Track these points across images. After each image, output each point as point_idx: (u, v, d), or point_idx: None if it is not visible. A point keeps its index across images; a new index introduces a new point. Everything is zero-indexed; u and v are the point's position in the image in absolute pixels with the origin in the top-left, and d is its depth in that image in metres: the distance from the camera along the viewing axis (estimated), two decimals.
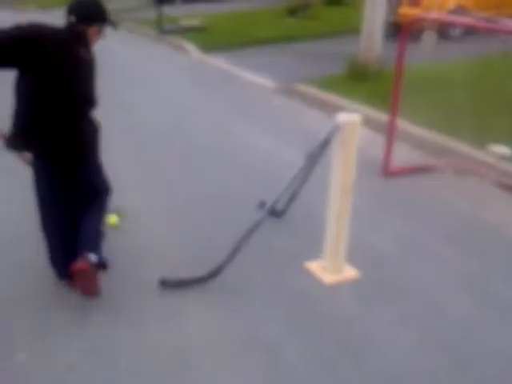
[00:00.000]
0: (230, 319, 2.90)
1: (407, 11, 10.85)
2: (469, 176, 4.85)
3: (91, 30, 2.91)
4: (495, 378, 2.52)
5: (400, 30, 4.83)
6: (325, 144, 3.06)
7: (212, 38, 12.21)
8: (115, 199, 3.40)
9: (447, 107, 5.39)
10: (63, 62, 2.76)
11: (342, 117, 3.01)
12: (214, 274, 3.16)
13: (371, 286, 3.22)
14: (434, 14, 4.20)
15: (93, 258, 2.80)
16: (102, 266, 2.93)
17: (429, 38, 4.28)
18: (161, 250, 3.60)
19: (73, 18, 2.85)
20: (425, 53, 4.39)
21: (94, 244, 2.93)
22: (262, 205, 4.04)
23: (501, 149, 5.21)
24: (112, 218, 3.76)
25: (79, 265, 2.73)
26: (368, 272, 3.35)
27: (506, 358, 2.65)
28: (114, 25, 3.07)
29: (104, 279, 3.04)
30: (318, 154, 3.10)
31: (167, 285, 3.14)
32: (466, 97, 5.34)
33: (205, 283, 3.15)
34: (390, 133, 4.94)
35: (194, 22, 13.79)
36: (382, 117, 6.19)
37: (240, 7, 16.92)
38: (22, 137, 2.79)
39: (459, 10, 5.07)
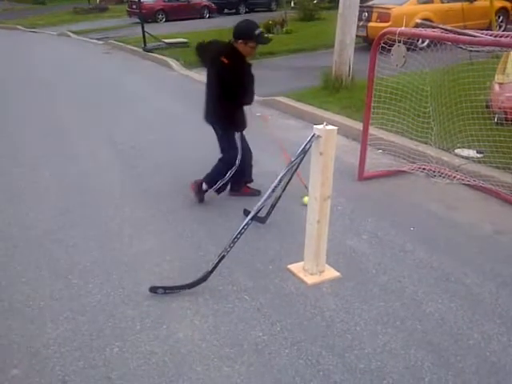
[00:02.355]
0: (218, 323, 2.85)
1: (377, 26, 11.00)
2: (438, 178, 4.87)
3: (240, 45, 3.76)
4: (473, 371, 2.51)
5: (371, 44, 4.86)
6: (304, 153, 3.03)
7: (195, 55, 12.14)
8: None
9: (415, 115, 5.42)
10: (211, 66, 3.99)
11: (320, 127, 2.99)
12: (202, 279, 3.11)
13: (351, 286, 3.20)
14: (402, 28, 4.20)
15: (204, 186, 4.16)
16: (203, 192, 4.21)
17: (398, 50, 4.28)
18: (151, 260, 3.54)
19: (233, 36, 3.80)
20: (394, 64, 4.37)
21: (208, 180, 4.15)
22: (246, 212, 4.03)
23: (466, 152, 5.26)
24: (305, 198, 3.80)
25: (193, 185, 4.20)
26: (347, 273, 3.33)
27: (480, 353, 2.64)
28: (264, 43, 3.89)
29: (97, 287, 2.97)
30: (297, 162, 3.07)
31: (156, 292, 3.08)
32: (433, 104, 5.38)
33: (192, 289, 3.10)
34: (364, 140, 4.95)
35: (177, 39, 13.73)
36: (355, 125, 6.22)
37: (219, 25, 16.89)
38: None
39: (425, 23, 5.10)
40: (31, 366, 2.56)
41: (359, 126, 6.19)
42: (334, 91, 7.73)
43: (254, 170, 4.48)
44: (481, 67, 5.48)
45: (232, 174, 4.12)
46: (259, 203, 3.10)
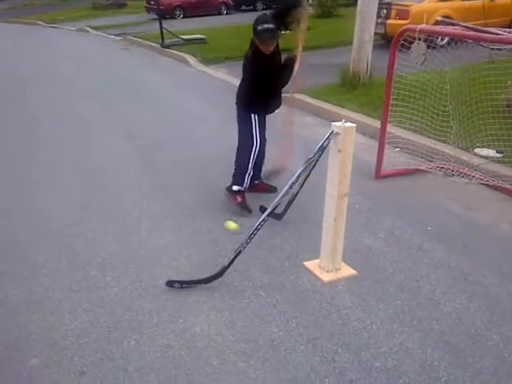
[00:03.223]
0: (234, 319, 2.86)
1: (395, 23, 10.89)
2: (457, 177, 4.82)
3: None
4: (492, 373, 2.48)
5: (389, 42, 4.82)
6: (322, 150, 3.02)
7: (212, 51, 12.17)
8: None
9: (434, 113, 5.36)
10: None
11: (338, 124, 2.98)
12: (219, 275, 3.13)
13: (367, 285, 3.18)
14: (422, 25, 4.15)
15: (234, 188, 4.13)
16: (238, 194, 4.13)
17: (418, 48, 4.23)
18: (167, 255, 3.56)
19: None
20: (414, 62, 4.33)
21: (235, 179, 4.16)
22: (262, 209, 4.03)
23: (485, 151, 5.19)
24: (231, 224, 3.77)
25: (225, 192, 4.21)
26: (364, 271, 3.32)
27: (498, 354, 2.62)
28: (262, 39, 3.70)
29: (113, 280, 3.00)
30: (315, 159, 3.06)
31: (173, 286, 3.10)
32: (453, 103, 5.31)
33: (208, 284, 3.12)
34: (382, 138, 4.91)
35: (195, 35, 13.76)
36: (373, 123, 6.18)
37: (237, 21, 16.88)
38: None
39: (446, 20, 5.03)
40: (50, 356, 2.59)
41: (377, 123, 6.14)
42: (351, 89, 7.68)
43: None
44: (502, 66, 5.40)
45: (254, 161, 4.11)
46: (276, 200, 3.10)
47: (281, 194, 3.09)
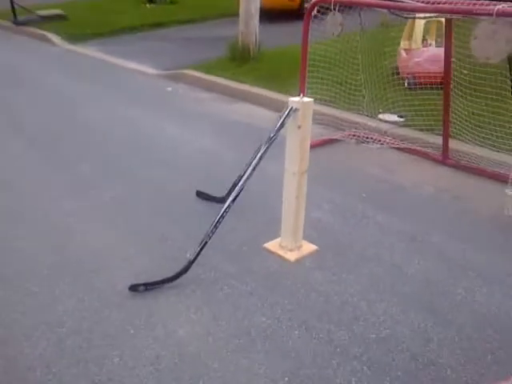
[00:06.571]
0: (216, 314, 2.66)
1: None
2: (369, 144, 5.03)
3: None
4: (472, 327, 2.62)
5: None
6: (280, 127, 2.91)
7: (76, 28, 11.17)
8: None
9: (337, 82, 5.50)
10: None
11: (297, 100, 2.87)
12: (184, 270, 2.89)
13: (331, 258, 3.18)
14: None
15: None
16: None
17: (333, 19, 4.26)
18: (119, 254, 3.20)
19: None
20: (330, 34, 4.35)
21: None
22: (199, 193, 3.82)
23: (388, 117, 5.48)
24: None
25: None
26: (323, 245, 3.30)
27: (470, 307, 2.78)
28: None
29: (70, 292, 2.61)
30: (273, 137, 2.94)
31: (138, 289, 2.80)
32: (352, 72, 5.48)
33: (174, 282, 2.87)
34: None
35: (53, 11, 12.49)
36: (278, 96, 6.17)
37: None
38: None
39: None
40: None
41: (279, 96, 6.19)
42: (242, 62, 7.58)
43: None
44: (395, 34, 5.72)
45: None
46: (240, 183, 2.93)
47: (245, 177, 2.92)
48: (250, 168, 2.90)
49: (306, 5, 11.09)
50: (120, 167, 4.50)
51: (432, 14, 4.38)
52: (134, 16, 12.27)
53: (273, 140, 2.91)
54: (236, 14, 7.99)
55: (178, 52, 9.03)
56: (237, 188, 2.91)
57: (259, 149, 3.03)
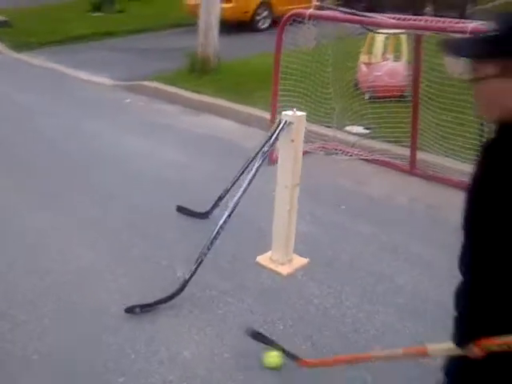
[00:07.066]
0: (219, 333, 2.60)
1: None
2: (337, 155, 5.11)
3: None
4: (440, 321, 2.69)
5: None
6: (274, 141, 2.90)
7: (21, 35, 10.70)
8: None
9: (305, 94, 5.56)
10: None
11: (290, 113, 2.88)
12: (179, 290, 2.80)
13: (322, 270, 3.19)
14: (311, 10, 4.25)
15: None
16: None
17: (308, 33, 4.32)
18: (103, 277, 3.06)
19: None
20: (305, 46, 4.41)
21: None
22: (179, 209, 3.75)
23: (355, 129, 5.61)
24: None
25: None
26: (311, 257, 3.31)
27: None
28: None
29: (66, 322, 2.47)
30: (267, 151, 2.93)
31: (134, 311, 2.69)
32: (315, 83, 5.55)
33: (169, 303, 2.78)
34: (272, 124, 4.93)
35: None
36: (243, 109, 6.17)
37: (43, 2, 15.02)
38: None
39: (325, 5, 5.21)
40: None
41: (244, 108, 6.20)
42: (202, 74, 7.52)
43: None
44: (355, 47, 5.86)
45: None
46: (235, 199, 2.89)
47: (240, 192, 2.89)
48: (246, 182, 2.88)
49: (258, 17, 11.39)
50: (88, 183, 4.33)
51: (402, 30, 4.54)
52: (82, 24, 11.90)
53: (266, 154, 2.90)
54: (188, 25, 7.95)
55: (134, 62, 8.84)
56: (232, 204, 2.87)
57: (248, 163, 3.02)
